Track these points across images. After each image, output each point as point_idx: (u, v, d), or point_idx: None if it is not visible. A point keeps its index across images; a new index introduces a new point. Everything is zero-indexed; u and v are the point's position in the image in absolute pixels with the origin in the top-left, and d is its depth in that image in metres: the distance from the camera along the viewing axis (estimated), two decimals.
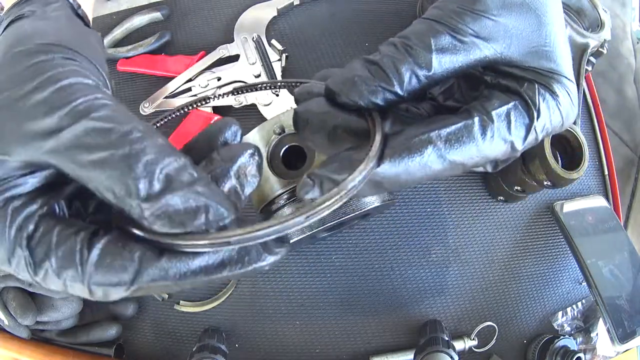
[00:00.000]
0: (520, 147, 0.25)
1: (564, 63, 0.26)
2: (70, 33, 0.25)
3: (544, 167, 0.43)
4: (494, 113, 0.24)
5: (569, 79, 0.26)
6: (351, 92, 0.24)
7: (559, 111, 0.26)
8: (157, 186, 0.18)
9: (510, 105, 0.25)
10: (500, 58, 0.25)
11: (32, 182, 0.21)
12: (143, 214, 0.18)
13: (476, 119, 0.24)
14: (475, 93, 0.28)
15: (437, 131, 0.24)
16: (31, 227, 0.20)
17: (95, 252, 0.19)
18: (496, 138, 0.24)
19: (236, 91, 0.32)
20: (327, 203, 0.21)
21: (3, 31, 0.27)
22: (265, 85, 0.32)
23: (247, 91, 0.32)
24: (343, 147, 0.26)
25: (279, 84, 0.32)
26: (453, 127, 0.24)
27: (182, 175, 0.19)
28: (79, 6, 0.31)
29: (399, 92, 0.24)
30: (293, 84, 0.31)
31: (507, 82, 0.26)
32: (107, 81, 0.25)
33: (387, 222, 0.51)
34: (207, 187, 0.20)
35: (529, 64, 0.25)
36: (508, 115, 0.24)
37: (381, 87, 0.24)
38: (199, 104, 0.31)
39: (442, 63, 0.24)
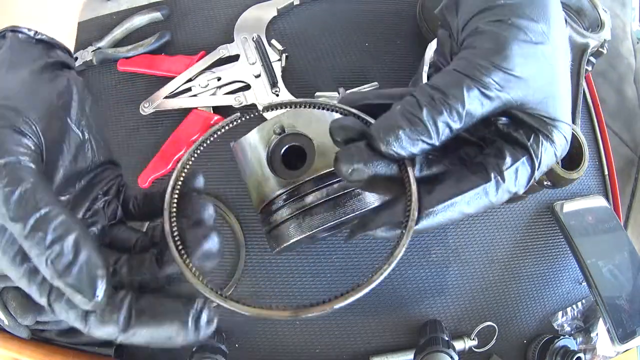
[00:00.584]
0: (520, 193, 0.29)
1: (566, 109, 0.30)
2: (6, 91, 0.27)
3: None
4: (506, 173, 0.28)
5: (566, 123, 0.29)
6: (395, 144, 0.27)
7: (554, 156, 0.29)
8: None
9: (519, 162, 0.28)
10: (515, 105, 0.28)
11: None
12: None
13: (492, 181, 0.28)
14: (485, 131, 0.31)
15: (462, 196, 0.27)
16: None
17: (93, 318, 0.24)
18: (505, 192, 0.28)
19: (287, 105, 0.33)
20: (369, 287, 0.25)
21: None
22: (309, 104, 0.32)
23: (294, 106, 0.34)
24: (378, 190, 0.30)
25: (319, 106, 0.33)
26: (474, 192, 0.27)
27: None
28: (36, 32, 0.31)
29: (436, 144, 0.27)
30: (337, 110, 0.32)
31: (517, 134, 0.29)
32: (37, 126, 0.27)
33: None
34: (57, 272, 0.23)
35: (538, 112, 0.28)
36: (516, 171, 0.28)
37: (422, 140, 0.27)
38: (247, 116, 0.32)
39: (471, 115, 0.27)
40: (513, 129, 0.30)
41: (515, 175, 0.28)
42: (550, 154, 0.29)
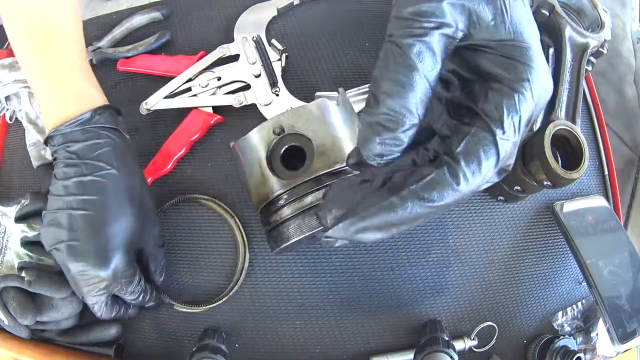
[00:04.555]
0: (497, 165, 0.24)
1: (526, 29, 0.24)
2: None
3: (544, 167, 0.43)
4: (458, 152, 0.24)
5: (529, 46, 0.24)
6: (382, 152, 0.24)
7: (531, 101, 0.24)
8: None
9: (470, 135, 0.24)
10: (464, 37, 0.24)
11: None
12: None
13: (444, 168, 0.24)
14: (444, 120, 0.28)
15: (415, 185, 0.24)
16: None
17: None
18: (468, 173, 0.24)
19: None
20: None
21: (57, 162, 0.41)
22: None
23: None
24: None
25: None
26: (426, 179, 0.24)
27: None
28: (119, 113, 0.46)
29: (420, 113, 0.24)
30: None
31: (467, 99, 0.25)
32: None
33: None
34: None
35: (493, 37, 0.24)
36: (470, 146, 0.24)
37: (404, 130, 0.24)
38: None
39: (438, 53, 0.23)
40: (466, 95, 0.26)
41: (471, 152, 0.24)
42: (520, 107, 0.24)
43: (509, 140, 0.24)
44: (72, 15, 0.46)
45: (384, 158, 0.24)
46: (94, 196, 0.39)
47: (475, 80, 0.26)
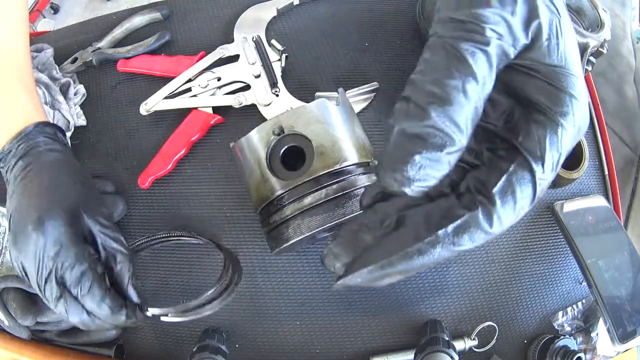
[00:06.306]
0: (532, 204, 0.23)
1: (576, 59, 0.22)
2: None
3: None
4: (494, 192, 0.21)
5: (576, 76, 0.21)
6: (418, 178, 0.20)
7: (572, 134, 0.22)
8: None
9: (507, 174, 0.22)
10: (523, 60, 0.21)
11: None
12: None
13: (479, 209, 0.21)
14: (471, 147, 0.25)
15: (444, 229, 0.22)
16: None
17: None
18: (503, 215, 0.21)
19: None
20: None
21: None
22: None
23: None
24: None
25: None
26: (457, 222, 0.21)
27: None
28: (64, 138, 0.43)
29: (465, 143, 0.21)
30: None
31: (504, 130, 0.23)
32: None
33: None
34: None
35: (544, 60, 0.21)
36: (507, 186, 0.21)
37: (447, 152, 0.20)
38: None
39: (484, 85, 0.20)
40: (503, 130, 0.23)
41: (510, 190, 0.21)
42: (561, 139, 0.21)
43: (546, 180, 0.22)
44: (23, 35, 0.45)
45: (417, 185, 0.20)
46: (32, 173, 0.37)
47: (513, 107, 0.23)
